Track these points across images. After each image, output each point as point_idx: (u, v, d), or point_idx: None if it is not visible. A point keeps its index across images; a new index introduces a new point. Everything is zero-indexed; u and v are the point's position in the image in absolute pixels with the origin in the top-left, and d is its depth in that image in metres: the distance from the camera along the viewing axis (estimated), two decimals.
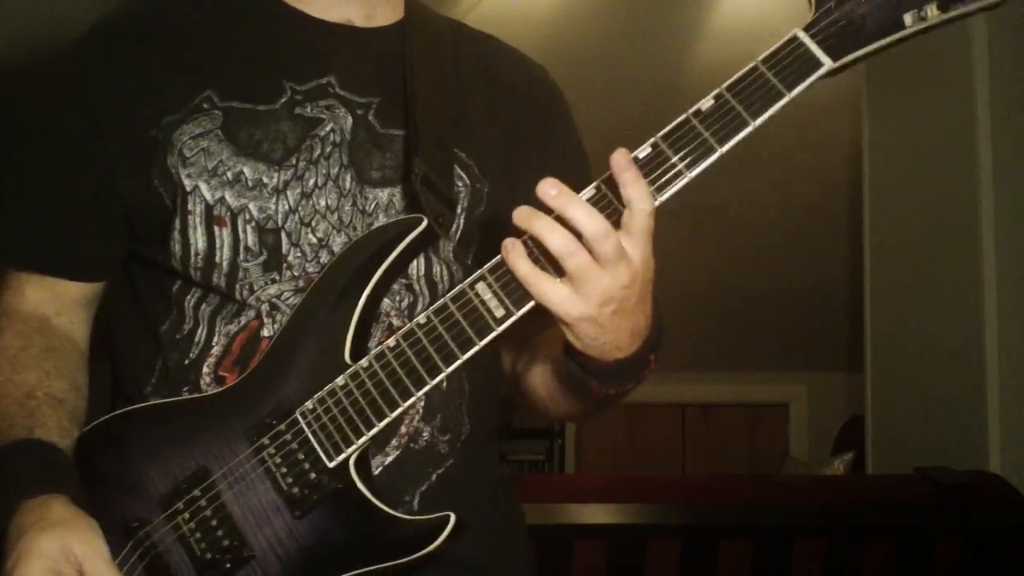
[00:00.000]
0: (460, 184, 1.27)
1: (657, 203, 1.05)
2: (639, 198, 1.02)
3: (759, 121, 1.06)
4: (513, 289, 1.07)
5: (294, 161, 1.22)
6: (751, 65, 1.07)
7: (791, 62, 1.06)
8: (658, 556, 2.54)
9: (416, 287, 1.25)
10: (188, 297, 1.25)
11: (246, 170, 1.21)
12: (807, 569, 2.58)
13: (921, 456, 3.05)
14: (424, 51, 1.31)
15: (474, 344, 1.09)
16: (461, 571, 1.20)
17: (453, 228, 1.26)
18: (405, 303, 1.24)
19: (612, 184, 1.05)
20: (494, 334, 1.09)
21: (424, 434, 1.24)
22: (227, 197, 1.21)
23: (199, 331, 1.24)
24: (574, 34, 4.32)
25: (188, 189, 1.21)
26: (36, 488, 1.13)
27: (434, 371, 1.11)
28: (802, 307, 5.46)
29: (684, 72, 4.44)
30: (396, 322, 1.23)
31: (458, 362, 1.10)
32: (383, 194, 1.24)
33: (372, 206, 1.24)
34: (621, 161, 1.03)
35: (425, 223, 1.16)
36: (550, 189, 1.02)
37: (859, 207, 3.88)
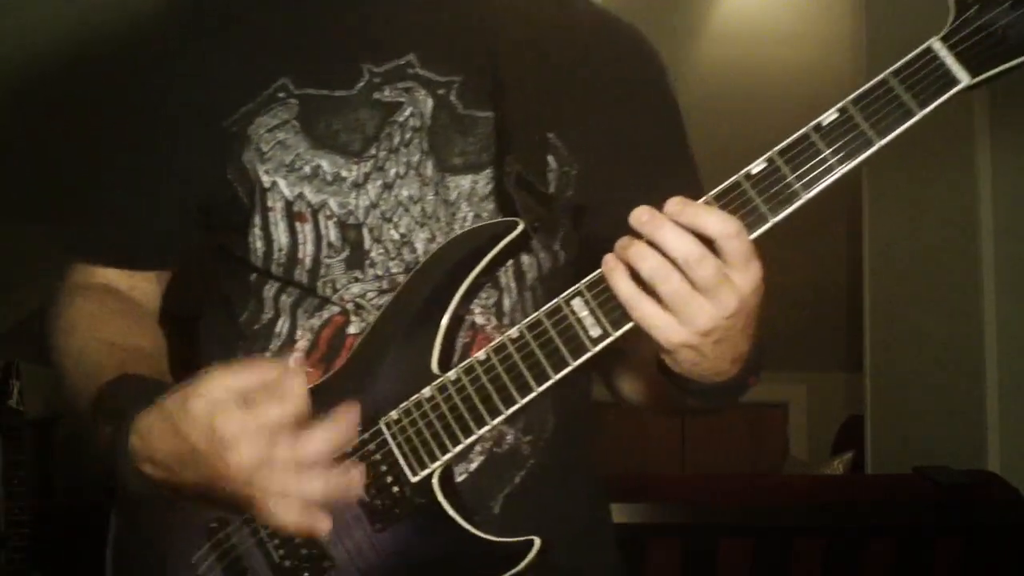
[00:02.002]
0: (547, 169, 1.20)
1: (771, 223, 0.99)
2: (713, 225, 0.95)
3: (885, 140, 0.97)
4: (612, 308, 1.01)
5: (374, 151, 1.17)
6: (880, 78, 0.97)
7: (924, 76, 0.96)
8: (658, 556, 2.54)
9: (502, 280, 1.20)
10: (267, 286, 1.21)
11: (324, 164, 1.17)
12: (807, 569, 2.58)
13: (921, 456, 3.05)
14: (507, 19, 1.23)
15: (567, 364, 1.04)
16: (546, 574, 1.13)
17: None
18: (492, 300, 1.19)
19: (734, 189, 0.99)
20: (588, 355, 1.03)
21: (508, 437, 1.19)
22: (306, 192, 1.17)
23: (280, 322, 1.20)
24: None
25: (267, 185, 1.17)
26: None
27: (524, 390, 1.05)
28: (801, 307, 5.46)
29: (684, 72, 4.43)
30: (480, 320, 1.18)
31: (549, 382, 1.05)
32: (465, 181, 1.18)
33: (454, 195, 1.18)
34: (672, 206, 0.96)
35: (521, 227, 1.11)
36: (641, 215, 0.96)
37: (859, 207, 3.88)
